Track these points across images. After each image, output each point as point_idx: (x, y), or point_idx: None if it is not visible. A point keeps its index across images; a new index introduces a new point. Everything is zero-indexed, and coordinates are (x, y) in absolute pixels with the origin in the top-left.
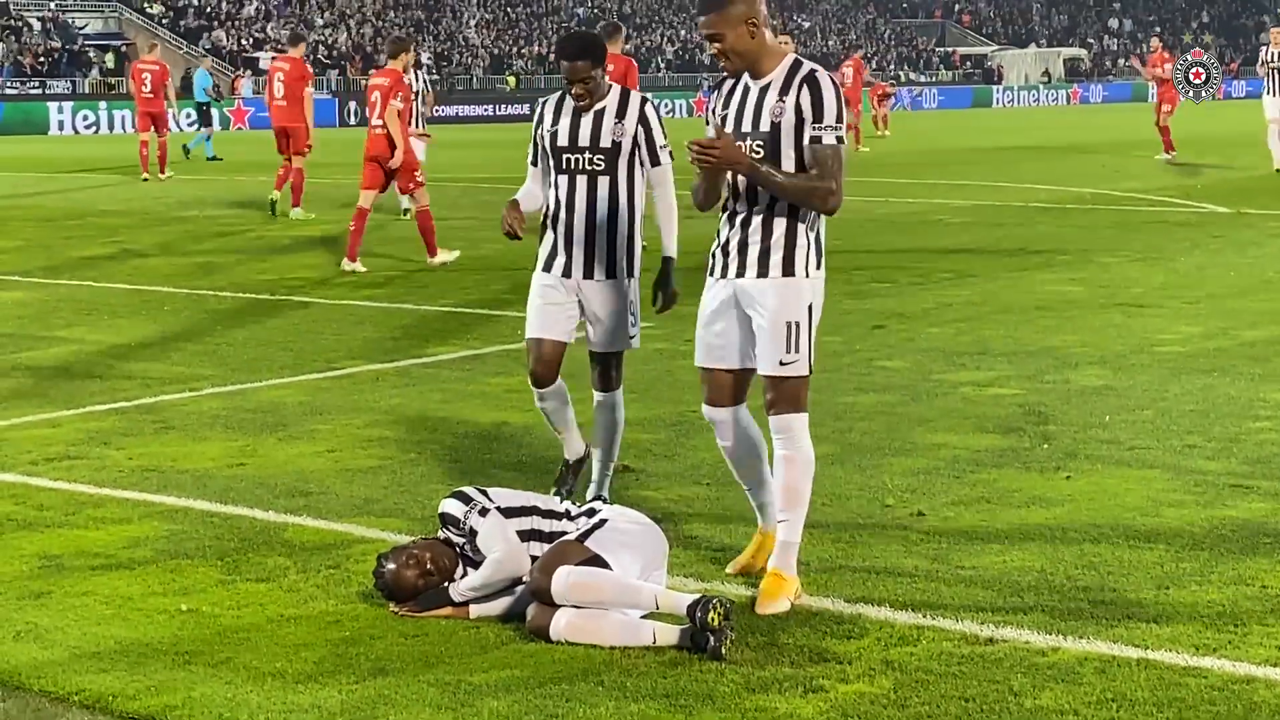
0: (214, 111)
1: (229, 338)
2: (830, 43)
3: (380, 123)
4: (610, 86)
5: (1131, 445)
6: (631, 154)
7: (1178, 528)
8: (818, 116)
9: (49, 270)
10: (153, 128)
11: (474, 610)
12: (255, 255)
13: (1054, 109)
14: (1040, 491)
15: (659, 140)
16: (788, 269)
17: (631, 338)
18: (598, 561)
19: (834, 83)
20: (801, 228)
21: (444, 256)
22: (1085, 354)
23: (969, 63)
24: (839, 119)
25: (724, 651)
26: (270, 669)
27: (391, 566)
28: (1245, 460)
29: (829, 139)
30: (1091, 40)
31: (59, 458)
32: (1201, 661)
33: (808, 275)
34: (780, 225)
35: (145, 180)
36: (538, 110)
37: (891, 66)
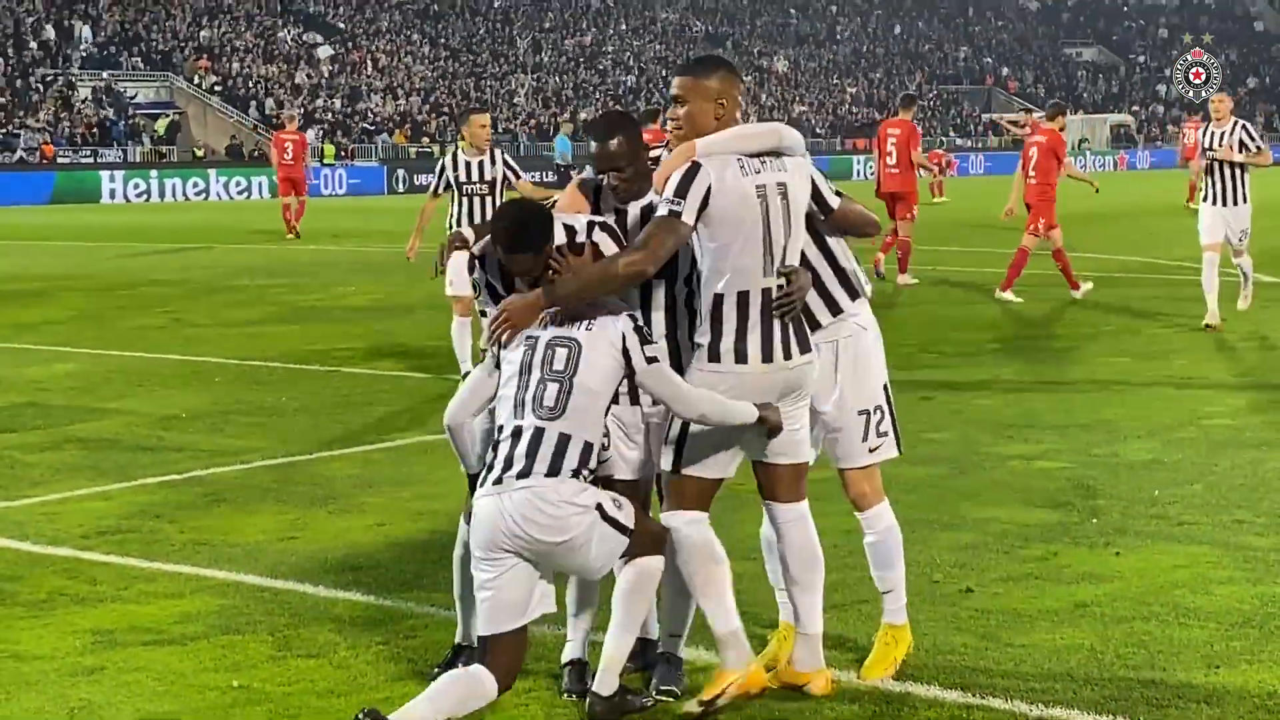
0: (571, 174)
1: (279, 409)
2: (871, 112)
3: (1033, 174)
4: None
5: (1180, 520)
6: None
7: (1227, 605)
8: None
9: (101, 341)
10: (293, 191)
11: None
12: (305, 325)
13: (1100, 175)
14: (1089, 567)
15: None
16: None
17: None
18: None
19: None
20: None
21: (1009, 296)
22: (1134, 427)
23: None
24: (672, 192)
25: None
26: None
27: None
28: None
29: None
30: (1138, 107)
31: (111, 531)
32: None
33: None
34: None
35: (290, 238)
36: None
37: (937, 132)
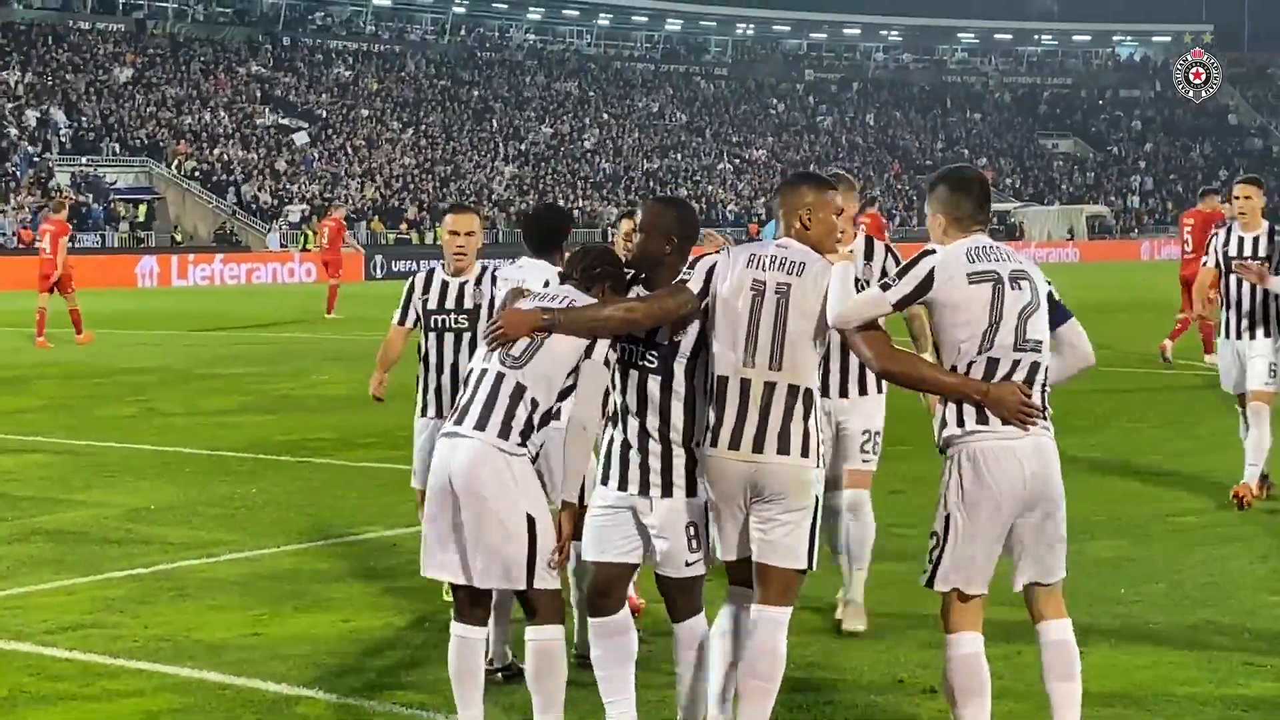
0: None
1: (248, 501)
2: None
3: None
4: None
5: (1145, 619)
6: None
7: (1190, 707)
8: None
9: (71, 430)
10: (335, 273)
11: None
12: (278, 415)
13: (1075, 266)
14: None
15: None
16: None
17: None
18: None
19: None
20: None
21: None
22: (1101, 523)
23: (992, 219)
24: (686, 265)
25: None
26: None
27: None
28: (1259, 637)
29: None
30: (1114, 198)
31: (75, 627)
32: None
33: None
34: None
35: (329, 317)
36: None
37: (912, 223)
